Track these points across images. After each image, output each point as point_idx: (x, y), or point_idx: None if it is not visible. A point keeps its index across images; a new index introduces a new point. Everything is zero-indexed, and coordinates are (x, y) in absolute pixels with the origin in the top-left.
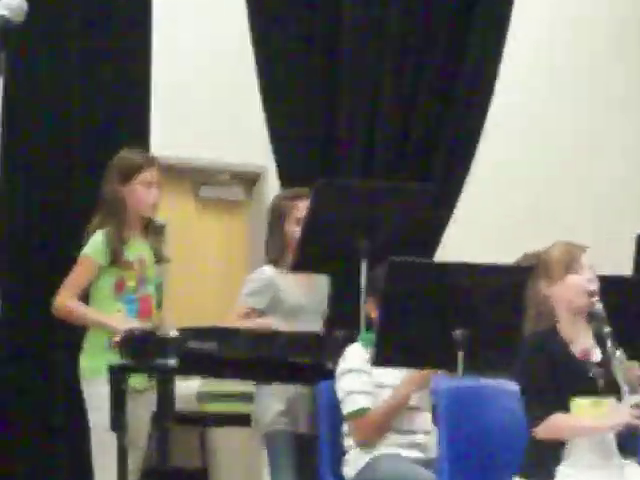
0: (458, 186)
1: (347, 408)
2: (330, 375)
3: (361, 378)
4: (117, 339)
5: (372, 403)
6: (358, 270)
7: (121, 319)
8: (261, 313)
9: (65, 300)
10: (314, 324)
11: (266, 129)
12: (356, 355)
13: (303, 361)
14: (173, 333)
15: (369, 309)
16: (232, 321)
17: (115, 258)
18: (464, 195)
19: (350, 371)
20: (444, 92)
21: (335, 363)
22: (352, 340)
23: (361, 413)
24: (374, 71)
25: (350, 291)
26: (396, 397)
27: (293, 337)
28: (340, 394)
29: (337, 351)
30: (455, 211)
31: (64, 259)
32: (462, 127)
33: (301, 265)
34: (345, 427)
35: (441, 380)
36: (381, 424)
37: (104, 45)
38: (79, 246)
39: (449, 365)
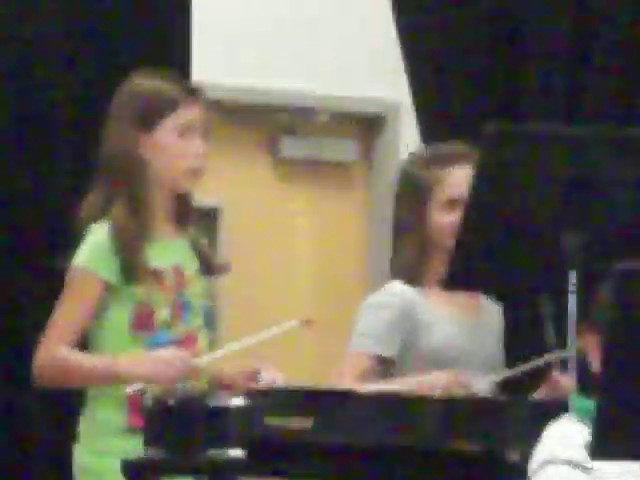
0: None
1: None
2: (514, 472)
3: (576, 477)
4: (131, 391)
5: None
6: (561, 284)
7: (146, 359)
8: (390, 363)
9: (52, 350)
10: (478, 382)
11: (397, 42)
12: (565, 435)
13: (469, 449)
14: (237, 401)
15: (588, 348)
16: (346, 382)
17: (132, 270)
18: None
19: (555, 464)
20: None
21: (525, 452)
22: (555, 409)
23: None
24: None
25: (543, 322)
26: None
27: (452, 406)
28: None
29: (526, 430)
30: None
31: (36, 274)
32: None
33: (459, 279)
34: None
35: None
36: None
37: None
38: (62, 249)
39: None
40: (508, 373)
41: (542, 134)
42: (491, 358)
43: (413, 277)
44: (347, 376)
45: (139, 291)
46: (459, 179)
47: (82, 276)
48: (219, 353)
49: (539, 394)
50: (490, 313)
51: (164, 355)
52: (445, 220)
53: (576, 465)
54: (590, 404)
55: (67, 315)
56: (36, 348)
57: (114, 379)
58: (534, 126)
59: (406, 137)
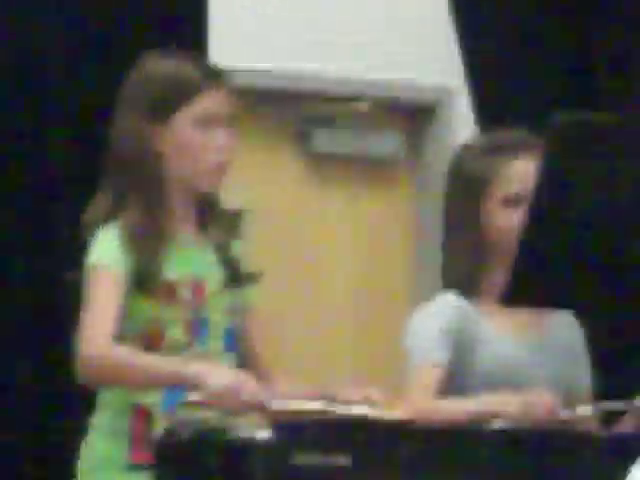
0: None
1: None
2: None
3: None
4: (195, 398)
5: None
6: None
7: (214, 370)
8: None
9: (102, 346)
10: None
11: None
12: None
13: None
14: (261, 434)
15: None
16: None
17: (145, 278)
18: None
19: None
20: None
21: None
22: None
23: None
24: None
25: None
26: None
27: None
28: None
29: (605, 468)
30: None
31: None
32: None
33: (521, 295)
34: None
35: None
36: None
37: None
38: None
39: None
40: (590, 409)
41: (618, 124)
42: (557, 379)
43: (467, 287)
44: (415, 393)
45: (149, 305)
46: (522, 172)
47: (103, 273)
48: (294, 404)
49: (623, 426)
50: (561, 326)
51: (238, 378)
52: (504, 220)
53: None
54: None
55: (102, 308)
56: (75, 346)
57: (177, 382)
58: (609, 115)
59: (459, 129)
